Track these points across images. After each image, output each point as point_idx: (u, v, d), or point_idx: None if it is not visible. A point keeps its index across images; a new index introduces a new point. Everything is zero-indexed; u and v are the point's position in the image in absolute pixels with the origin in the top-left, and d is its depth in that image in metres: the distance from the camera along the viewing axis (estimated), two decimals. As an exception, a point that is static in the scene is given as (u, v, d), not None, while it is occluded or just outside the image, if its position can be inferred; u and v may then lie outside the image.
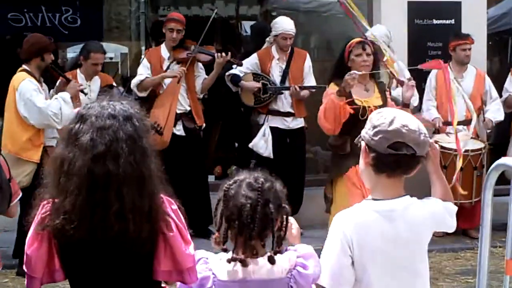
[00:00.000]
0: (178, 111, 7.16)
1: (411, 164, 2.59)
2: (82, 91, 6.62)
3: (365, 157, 2.63)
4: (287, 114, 7.52)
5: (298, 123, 7.55)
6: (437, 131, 7.38)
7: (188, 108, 7.24)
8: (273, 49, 7.56)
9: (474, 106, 7.32)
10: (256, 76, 7.54)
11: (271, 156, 7.30)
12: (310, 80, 7.58)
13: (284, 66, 7.54)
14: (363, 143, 2.64)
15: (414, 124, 2.58)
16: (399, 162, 2.55)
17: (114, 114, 2.34)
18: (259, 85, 7.41)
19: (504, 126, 7.82)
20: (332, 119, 5.63)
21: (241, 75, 7.50)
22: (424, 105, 7.55)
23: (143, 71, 7.18)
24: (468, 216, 7.02)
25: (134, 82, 7.13)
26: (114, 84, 7.31)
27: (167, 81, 7.13)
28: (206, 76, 7.37)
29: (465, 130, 7.29)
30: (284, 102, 7.49)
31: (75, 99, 6.68)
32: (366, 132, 2.61)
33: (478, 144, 7.18)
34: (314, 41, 11.39)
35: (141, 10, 10.99)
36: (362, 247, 2.56)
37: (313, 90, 7.47)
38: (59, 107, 6.26)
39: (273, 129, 7.43)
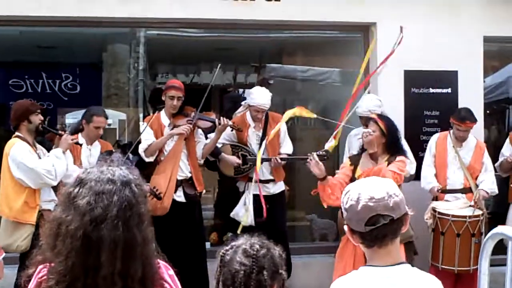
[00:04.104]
0: (179, 178, 7.12)
1: (395, 228, 2.60)
2: (77, 143, 6.67)
3: (352, 238, 2.67)
4: (268, 181, 7.55)
5: (278, 187, 7.57)
6: (435, 198, 7.37)
7: (189, 175, 7.20)
8: (248, 116, 7.58)
9: (472, 176, 7.35)
10: (234, 147, 7.55)
11: (253, 224, 7.22)
12: (286, 144, 7.65)
13: (260, 134, 7.58)
14: (345, 227, 2.67)
15: (380, 191, 2.59)
16: (383, 232, 2.58)
17: (113, 179, 2.35)
18: (239, 161, 7.44)
19: (503, 196, 7.78)
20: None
21: (219, 146, 7.51)
22: (423, 171, 7.50)
23: (148, 136, 7.13)
24: (466, 284, 6.97)
25: (142, 147, 7.09)
26: (114, 150, 7.32)
27: (168, 147, 7.12)
28: (206, 142, 7.38)
29: (464, 198, 7.29)
30: (264, 171, 7.52)
31: (77, 159, 6.76)
32: (344, 216, 2.66)
33: (476, 211, 7.14)
34: (310, 109, 11.46)
35: (140, 77, 11.08)
36: None
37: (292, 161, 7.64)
38: (51, 164, 6.31)
39: (254, 196, 7.40)
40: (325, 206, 6.15)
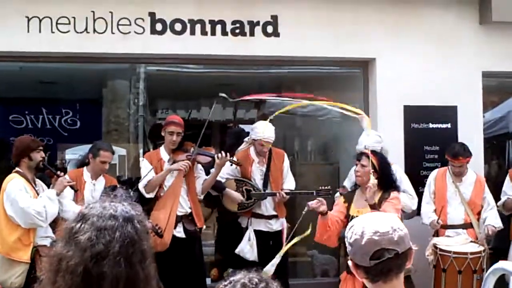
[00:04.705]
0: (179, 213, 7.08)
1: (400, 262, 2.59)
2: (72, 187, 6.63)
3: (357, 273, 2.65)
4: (271, 217, 7.52)
5: (281, 224, 7.53)
6: (436, 233, 7.34)
7: (189, 210, 7.16)
8: (252, 152, 7.57)
9: (473, 211, 7.32)
10: (238, 182, 7.53)
11: (257, 260, 7.19)
12: (289, 180, 7.65)
13: (264, 169, 7.56)
14: (350, 262, 2.66)
15: (385, 225, 2.59)
16: (387, 267, 2.56)
17: (115, 215, 2.33)
18: (242, 198, 7.40)
19: (504, 231, 7.74)
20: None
21: (223, 181, 7.49)
22: (422, 208, 7.50)
23: (147, 172, 7.11)
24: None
25: (142, 183, 7.08)
26: (118, 185, 7.30)
27: (168, 183, 7.10)
28: (206, 177, 7.37)
29: (465, 234, 7.26)
30: (268, 206, 7.51)
31: (79, 196, 6.73)
32: (348, 251, 2.65)
33: (477, 247, 7.11)
34: (311, 145, 11.48)
35: (140, 113, 11.09)
36: None
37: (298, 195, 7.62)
38: (43, 205, 6.26)
39: (256, 232, 7.41)
40: (316, 240, 6.19)
